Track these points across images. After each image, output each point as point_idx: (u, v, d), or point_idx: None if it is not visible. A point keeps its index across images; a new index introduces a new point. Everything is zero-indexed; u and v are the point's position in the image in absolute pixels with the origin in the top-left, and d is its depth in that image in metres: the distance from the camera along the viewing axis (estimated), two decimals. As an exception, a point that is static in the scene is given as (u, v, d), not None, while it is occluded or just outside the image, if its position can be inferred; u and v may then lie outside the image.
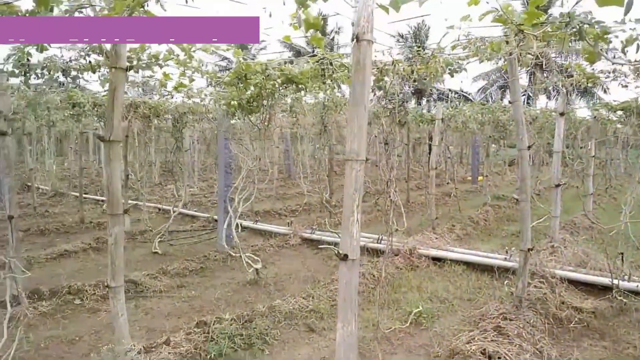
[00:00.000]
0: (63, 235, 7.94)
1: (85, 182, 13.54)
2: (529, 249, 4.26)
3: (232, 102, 4.83)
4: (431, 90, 26.48)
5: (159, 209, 10.16)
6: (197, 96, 5.36)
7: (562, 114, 6.66)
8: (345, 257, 2.02)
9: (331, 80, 4.47)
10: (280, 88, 4.76)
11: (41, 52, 2.56)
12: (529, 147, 4.30)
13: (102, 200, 11.30)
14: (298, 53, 29.01)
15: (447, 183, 14.50)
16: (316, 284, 5.12)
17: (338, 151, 17.85)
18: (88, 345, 3.72)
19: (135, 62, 3.21)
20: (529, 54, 4.08)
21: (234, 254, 5.46)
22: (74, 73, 3.36)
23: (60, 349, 3.65)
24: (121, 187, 8.25)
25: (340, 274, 2.11)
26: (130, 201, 10.20)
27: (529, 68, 21.80)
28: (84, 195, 9.58)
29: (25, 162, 13.36)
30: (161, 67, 3.47)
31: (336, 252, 2.04)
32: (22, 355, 3.50)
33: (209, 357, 3.37)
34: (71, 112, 6.03)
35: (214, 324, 3.64)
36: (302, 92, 5.14)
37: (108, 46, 2.87)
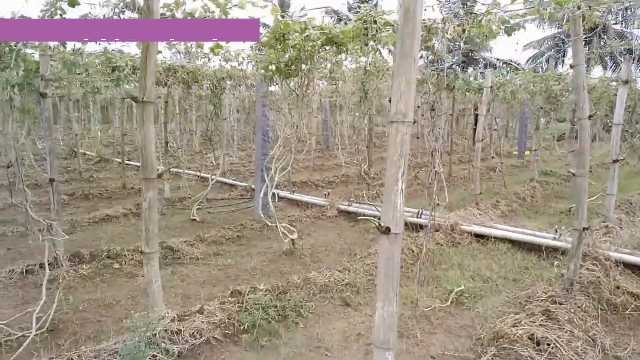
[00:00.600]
0: (106, 200, 8.14)
1: (128, 148, 13.88)
2: (584, 228, 3.92)
3: (270, 66, 4.63)
4: (479, 58, 25.24)
5: (199, 177, 10.25)
6: (235, 59, 5.18)
7: (625, 82, 6.07)
8: (387, 230, 1.83)
9: (374, 41, 4.18)
10: (320, 50, 4.51)
11: (72, 6, 2.44)
12: (590, 116, 3.89)
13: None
14: (339, 20, 28.22)
15: (492, 157, 13.87)
16: (352, 257, 4.98)
17: (377, 122, 17.41)
18: (124, 310, 3.75)
19: (169, 21, 3.05)
20: (597, 10, 3.64)
21: (270, 224, 5.37)
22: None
23: (98, 313, 3.69)
24: (160, 153, 8.28)
25: (380, 249, 1.92)
26: (171, 169, 10.37)
27: (589, 35, 20.30)
28: (126, 162, 9.77)
29: (72, 128, 13.81)
30: (196, 26, 3.30)
31: (377, 224, 1.85)
32: (61, 317, 3.56)
33: (242, 327, 3.31)
34: (110, 77, 6.02)
35: (248, 294, 3.57)
36: (343, 55, 4.87)
37: (141, 1, 2.71)
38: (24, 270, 4.28)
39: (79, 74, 5.57)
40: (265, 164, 6.43)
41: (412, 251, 4.98)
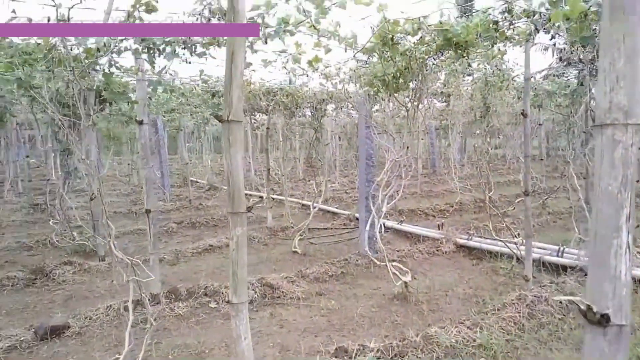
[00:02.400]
0: (211, 228, 8.10)
1: (236, 177, 14.24)
2: None
3: (374, 81, 4.02)
4: None
5: (302, 205, 9.96)
6: (335, 74, 4.66)
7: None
8: (602, 320, 1.04)
9: (505, 39, 3.36)
10: (435, 57, 3.80)
11: (149, 13, 2.08)
12: None
13: (250, 194, 11.60)
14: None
15: None
16: (482, 307, 4.05)
17: (491, 144, 15.89)
18: (215, 361, 3.29)
19: (261, 29, 2.60)
20: None
21: (378, 262, 4.67)
22: (199, 49, 2.93)
23: (187, 363, 3.28)
24: (264, 180, 8.02)
25: (587, 351, 1.12)
26: (273, 196, 10.22)
27: None
28: (231, 190, 9.80)
29: (180, 157, 14.58)
30: (292, 34, 2.82)
31: (581, 307, 1.07)
32: (149, 365, 3.20)
33: (348, 399, 2.63)
34: (212, 101, 5.91)
35: (355, 356, 2.88)
36: (461, 61, 4.09)
37: (224, 4, 2.28)
38: (121, 307, 4.09)
39: (177, 99, 5.50)
40: (370, 192, 5.78)
41: (561, 303, 3.89)
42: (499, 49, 4.00)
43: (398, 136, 5.37)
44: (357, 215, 8.28)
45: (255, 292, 4.56)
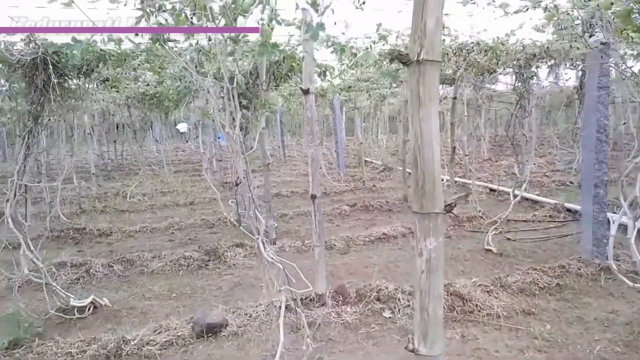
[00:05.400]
0: (385, 213, 7.35)
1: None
2: None
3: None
4: None
5: (490, 190, 8.48)
6: (555, 15, 3.23)
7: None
8: None
9: None
10: None
11: None
12: None
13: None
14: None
15: None
16: None
17: None
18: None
19: None
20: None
21: (617, 273, 3.22)
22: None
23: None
24: (446, 162, 6.91)
25: None
26: (457, 178, 8.95)
27: None
28: (408, 171, 8.91)
29: (356, 137, 14.19)
30: None
31: None
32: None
33: None
34: (389, 67, 5.01)
35: None
36: None
37: None
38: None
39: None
40: (602, 177, 4.20)
41: None
42: None
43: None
44: (567, 205, 6.54)
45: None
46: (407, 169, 8.30)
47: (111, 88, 7.36)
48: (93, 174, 10.65)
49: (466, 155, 8.87)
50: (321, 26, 2.23)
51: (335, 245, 5.46)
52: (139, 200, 9.32)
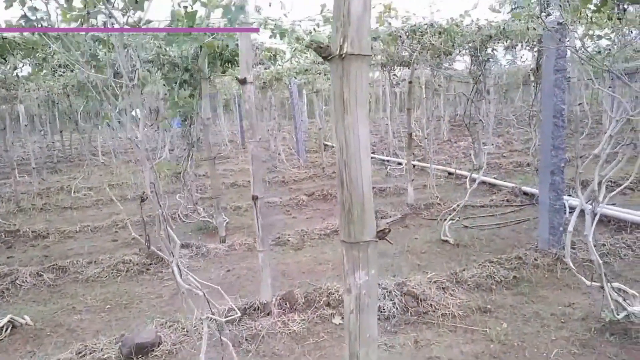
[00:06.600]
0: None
1: (374, 140, 13.11)
2: None
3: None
4: None
5: (448, 173, 8.39)
6: None
7: None
8: None
9: None
10: None
11: None
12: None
13: (387, 160, 10.36)
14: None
15: None
16: None
17: None
18: None
19: None
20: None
21: (571, 265, 3.09)
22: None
23: None
24: (404, 145, 6.68)
25: None
26: (415, 162, 8.81)
27: None
28: (371, 156, 8.69)
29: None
30: None
31: None
32: None
33: None
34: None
35: None
36: None
37: None
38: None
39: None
40: (559, 164, 4.09)
41: None
42: None
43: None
44: (525, 188, 6.51)
45: (394, 304, 3.38)
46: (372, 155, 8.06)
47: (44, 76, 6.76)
48: (34, 167, 9.91)
49: (425, 138, 8.73)
50: (241, 9, 1.89)
51: (289, 240, 5.19)
52: (85, 195, 8.72)
